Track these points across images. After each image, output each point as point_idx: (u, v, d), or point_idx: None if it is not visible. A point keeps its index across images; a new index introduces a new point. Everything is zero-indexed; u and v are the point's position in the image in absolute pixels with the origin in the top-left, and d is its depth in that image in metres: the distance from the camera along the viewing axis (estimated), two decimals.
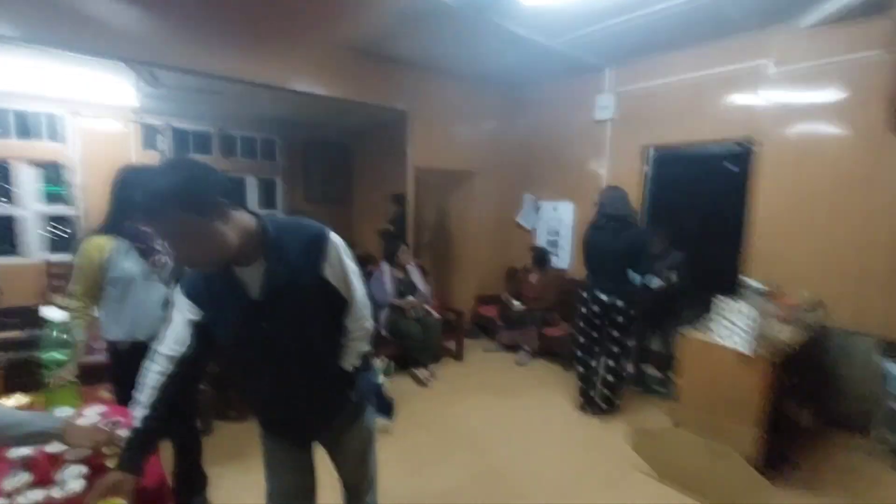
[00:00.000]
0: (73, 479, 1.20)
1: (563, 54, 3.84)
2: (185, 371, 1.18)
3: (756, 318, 2.33)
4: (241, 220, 1.09)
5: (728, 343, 2.41)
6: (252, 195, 6.58)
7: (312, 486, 1.44)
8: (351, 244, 1.33)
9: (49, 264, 5.14)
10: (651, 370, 3.70)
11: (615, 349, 3.07)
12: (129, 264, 1.78)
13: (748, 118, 3.43)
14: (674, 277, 3.34)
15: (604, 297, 3.03)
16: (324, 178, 6.95)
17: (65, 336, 1.70)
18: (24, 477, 1.20)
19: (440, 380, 3.81)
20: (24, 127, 4.97)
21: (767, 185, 3.38)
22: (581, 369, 3.24)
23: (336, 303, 1.24)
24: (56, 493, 1.16)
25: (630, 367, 3.75)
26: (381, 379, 2.99)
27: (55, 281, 5.02)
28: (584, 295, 3.15)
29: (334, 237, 1.21)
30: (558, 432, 3.06)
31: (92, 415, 1.48)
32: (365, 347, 1.35)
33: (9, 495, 1.14)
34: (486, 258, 5.18)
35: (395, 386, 3.47)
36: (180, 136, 5.81)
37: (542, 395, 3.61)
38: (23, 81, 4.27)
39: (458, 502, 2.31)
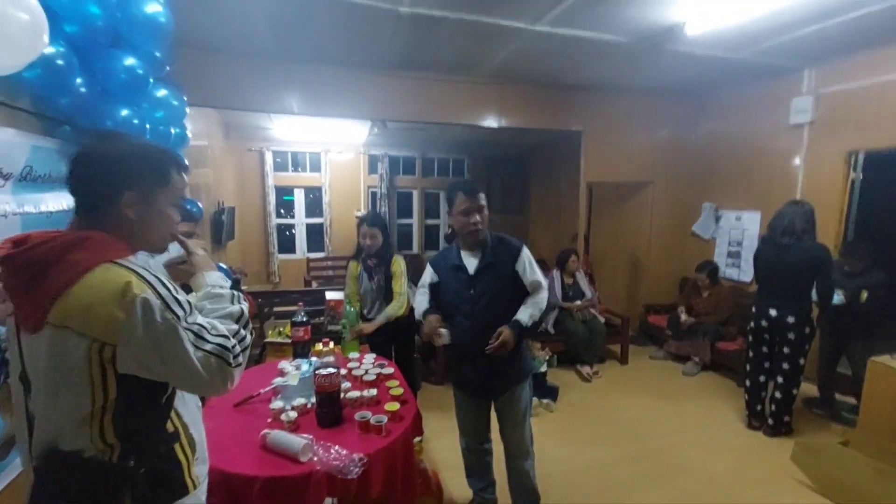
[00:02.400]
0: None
1: (751, 63, 3.76)
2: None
3: None
4: None
5: None
6: (443, 207, 7.83)
7: (487, 429, 2.23)
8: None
9: (308, 260, 7.15)
10: (841, 396, 3.37)
11: (786, 367, 2.99)
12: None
13: None
14: (864, 296, 3.03)
15: (773, 312, 2.99)
16: (503, 191, 7.78)
17: (355, 311, 2.78)
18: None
19: (603, 378, 4.16)
20: (297, 163, 7.06)
21: None
22: (749, 384, 3.23)
23: (520, 287, 1.99)
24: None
25: (816, 391, 3.50)
26: (544, 367, 3.55)
27: (312, 272, 7.01)
28: (754, 310, 3.14)
29: (526, 250, 2.02)
30: (716, 437, 3.16)
31: (368, 359, 2.43)
32: (536, 315, 1.96)
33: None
34: (657, 267, 5.23)
35: (559, 377, 3.99)
36: (393, 161, 7.34)
37: (706, 404, 3.66)
38: (297, 133, 6.16)
39: (604, 474, 2.71)
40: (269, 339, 3.35)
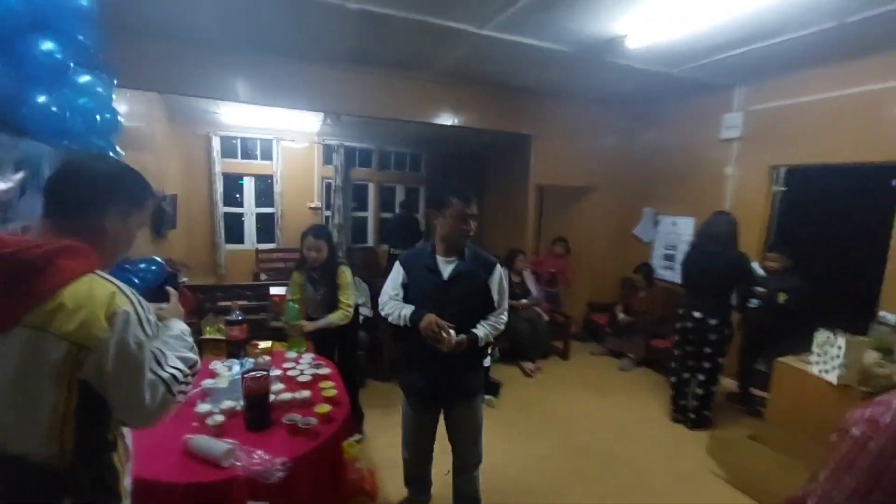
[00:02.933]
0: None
1: (686, 79, 3.98)
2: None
3: (847, 350, 2.38)
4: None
5: (815, 371, 2.49)
6: (399, 200, 7.81)
7: (431, 446, 2.21)
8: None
9: (258, 251, 6.95)
10: (757, 391, 3.68)
11: (707, 365, 3.24)
12: None
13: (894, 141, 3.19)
14: (781, 299, 3.31)
15: (698, 314, 3.22)
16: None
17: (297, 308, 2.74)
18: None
19: (545, 374, 4.33)
20: (247, 150, 6.82)
21: None
22: (674, 380, 3.48)
23: (487, 302, 1.99)
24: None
25: (736, 386, 3.80)
26: (487, 362, 3.65)
27: (261, 264, 6.81)
28: (681, 311, 3.37)
29: (500, 268, 2.03)
30: (644, 431, 3.38)
31: (306, 359, 2.41)
32: (492, 334, 1.97)
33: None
34: (601, 268, 5.47)
35: (503, 373, 4.11)
36: (349, 153, 7.22)
37: (637, 399, 3.90)
38: (247, 120, 5.95)
39: (541, 468, 2.85)
40: (206, 336, 3.24)
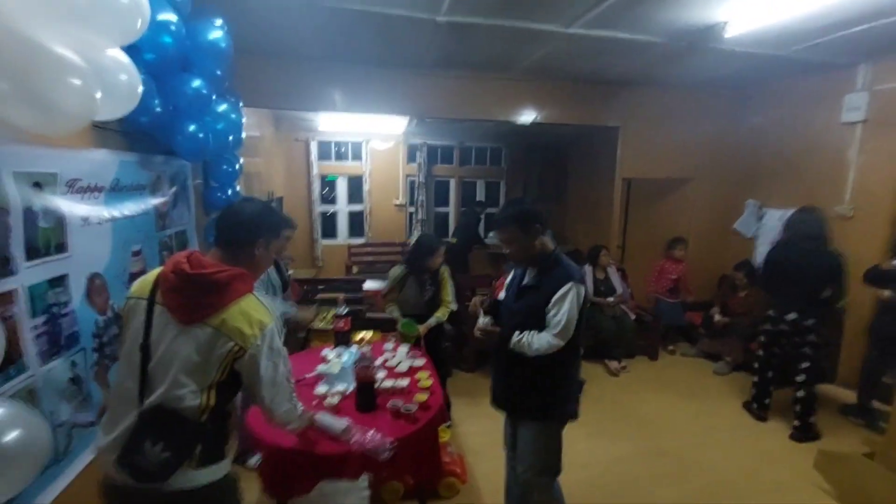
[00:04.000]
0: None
1: (798, 59, 3.62)
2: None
3: None
4: (544, 242, 1.87)
5: None
6: (480, 195, 7.94)
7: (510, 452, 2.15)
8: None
9: (350, 245, 7.49)
10: (879, 404, 3.31)
11: (805, 365, 3.10)
12: None
13: None
14: None
15: (793, 316, 3.10)
16: (541, 179, 7.78)
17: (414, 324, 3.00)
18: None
19: (630, 373, 4.24)
20: (340, 152, 7.35)
21: None
22: (758, 380, 3.40)
23: (544, 315, 1.81)
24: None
25: (855, 398, 3.46)
26: None
27: (353, 258, 7.35)
28: (771, 314, 3.23)
29: (571, 286, 1.77)
30: (735, 437, 3.22)
31: (402, 350, 2.65)
32: (525, 346, 1.81)
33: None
34: (696, 265, 5.16)
35: (586, 371, 4.06)
36: (432, 151, 7.49)
37: (730, 404, 3.69)
38: (340, 125, 6.42)
39: (623, 469, 2.84)
40: (316, 326, 3.67)
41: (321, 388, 2.08)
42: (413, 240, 4.36)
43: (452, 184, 7.88)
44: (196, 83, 2.18)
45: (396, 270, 3.12)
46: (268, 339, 1.27)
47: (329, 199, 7.47)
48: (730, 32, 2.96)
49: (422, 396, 2.02)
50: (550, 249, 1.90)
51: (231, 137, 2.71)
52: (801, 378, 3.15)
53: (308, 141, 6.92)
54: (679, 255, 4.81)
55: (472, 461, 2.81)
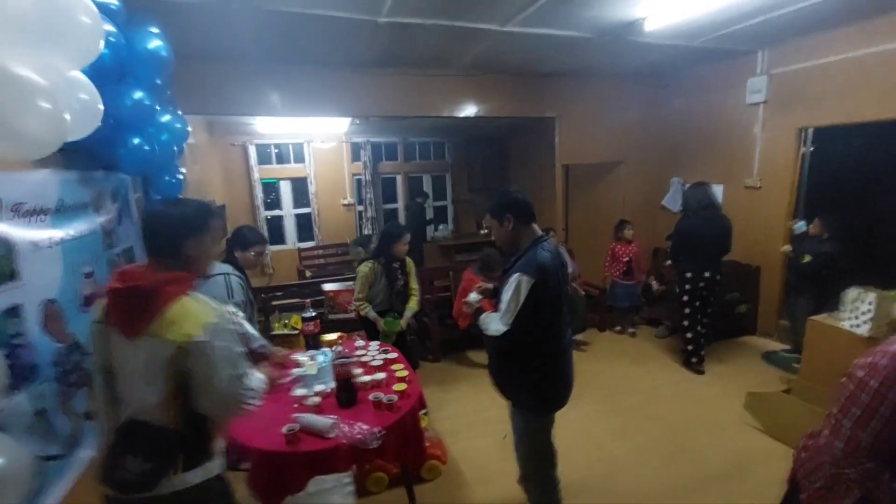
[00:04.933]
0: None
1: (708, 48, 4.02)
2: None
3: (877, 304, 2.52)
4: (520, 232, 1.90)
5: (846, 326, 2.64)
6: (427, 189, 8.04)
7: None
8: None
9: (300, 250, 7.34)
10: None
11: (709, 311, 3.85)
12: None
13: None
14: (806, 259, 3.58)
15: (708, 274, 3.73)
16: (483, 171, 8.00)
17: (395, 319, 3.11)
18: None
19: (581, 346, 4.55)
20: (281, 155, 7.16)
21: None
22: (690, 336, 3.91)
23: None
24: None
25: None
26: None
27: (304, 262, 7.21)
28: (689, 275, 3.80)
29: (519, 276, 1.77)
30: (681, 391, 3.62)
31: (374, 346, 2.72)
32: (482, 324, 1.93)
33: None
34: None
35: None
36: (376, 149, 7.48)
37: (672, 362, 4.13)
38: (280, 127, 6.26)
39: (584, 428, 3.09)
40: (275, 332, 3.62)
41: (299, 391, 2.12)
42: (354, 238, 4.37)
43: (399, 180, 7.92)
44: (137, 94, 2.11)
45: (364, 268, 3.13)
46: (210, 337, 1.22)
47: (274, 203, 7.26)
48: (648, 27, 3.26)
49: (401, 386, 2.11)
50: (527, 240, 1.89)
51: (175, 148, 2.63)
52: (702, 327, 3.87)
53: (246, 145, 6.69)
54: (628, 235, 4.80)
55: (450, 443, 2.95)
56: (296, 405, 2.03)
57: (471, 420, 3.26)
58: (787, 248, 3.98)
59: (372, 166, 7.37)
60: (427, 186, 8.06)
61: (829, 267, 3.47)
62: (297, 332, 3.23)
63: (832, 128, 3.89)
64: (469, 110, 4.68)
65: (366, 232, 7.38)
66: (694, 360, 3.90)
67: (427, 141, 7.93)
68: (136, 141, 2.20)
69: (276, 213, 7.27)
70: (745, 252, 4.44)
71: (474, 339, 4.17)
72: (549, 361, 1.94)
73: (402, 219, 7.95)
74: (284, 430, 1.76)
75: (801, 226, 3.85)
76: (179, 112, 2.81)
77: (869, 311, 2.56)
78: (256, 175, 6.81)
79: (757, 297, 4.53)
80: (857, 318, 2.64)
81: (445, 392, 3.70)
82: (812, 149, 4.10)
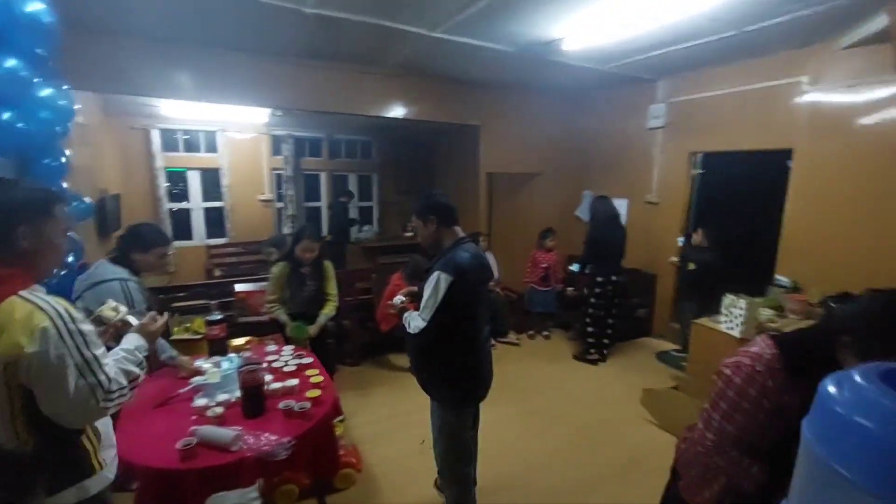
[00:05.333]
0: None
1: (617, 74, 4.38)
2: None
3: (747, 309, 2.90)
4: (442, 233, 1.98)
5: (723, 328, 3.01)
6: (353, 188, 7.86)
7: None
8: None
9: (209, 246, 6.81)
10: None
11: (614, 312, 4.31)
12: None
13: (786, 129, 3.75)
14: (689, 268, 4.06)
15: (616, 277, 4.20)
16: (411, 173, 8.00)
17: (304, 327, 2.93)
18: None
19: (499, 349, 4.72)
20: (190, 142, 6.60)
21: (799, 192, 3.72)
22: (594, 330, 4.34)
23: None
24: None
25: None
26: None
27: (214, 260, 6.70)
28: (600, 279, 4.19)
29: (438, 275, 1.84)
30: (590, 390, 3.88)
31: (287, 350, 2.59)
32: (414, 329, 1.92)
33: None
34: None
35: None
36: (299, 143, 7.15)
37: (582, 364, 4.41)
38: (188, 112, 5.76)
39: (500, 429, 3.18)
40: (175, 337, 3.30)
41: (200, 401, 1.95)
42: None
43: (323, 177, 7.66)
44: (10, 62, 1.83)
45: (276, 269, 3.00)
46: (43, 346, 1.05)
47: (180, 195, 6.66)
48: (566, 48, 3.47)
49: (314, 392, 2.03)
50: (448, 241, 1.97)
51: (58, 128, 2.31)
52: (611, 322, 4.32)
53: (148, 129, 6.07)
54: (550, 245, 4.96)
55: (367, 449, 2.89)
56: (195, 417, 1.87)
57: (389, 425, 3.22)
58: (674, 258, 4.57)
59: (294, 161, 7.00)
60: (353, 185, 7.88)
61: (710, 273, 3.92)
62: (200, 336, 2.97)
63: (718, 153, 4.42)
64: (397, 111, 4.65)
65: (286, 230, 7.04)
66: (592, 351, 4.35)
67: (354, 139, 7.76)
68: (8, 116, 1.90)
69: (182, 205, 6.67)
70: (644, 261, 4.89)
71: (396, 342, 4.15)
72: (465, 356, 2.02)
73: (325, 219, 7.69)
74: (179, 444, 1.61)
75: (681, 239, 4.46)
76: (66, 87, 2.48)
77: (741, 315, 2.94)
78: (160, 163, 6.21)
79: (654, 302, 5.01)
80: (731, 321, 3.02)
81: (364, 397, 3.63)
82: (701, 171, 4.63)
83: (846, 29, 3.20)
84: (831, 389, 0.66)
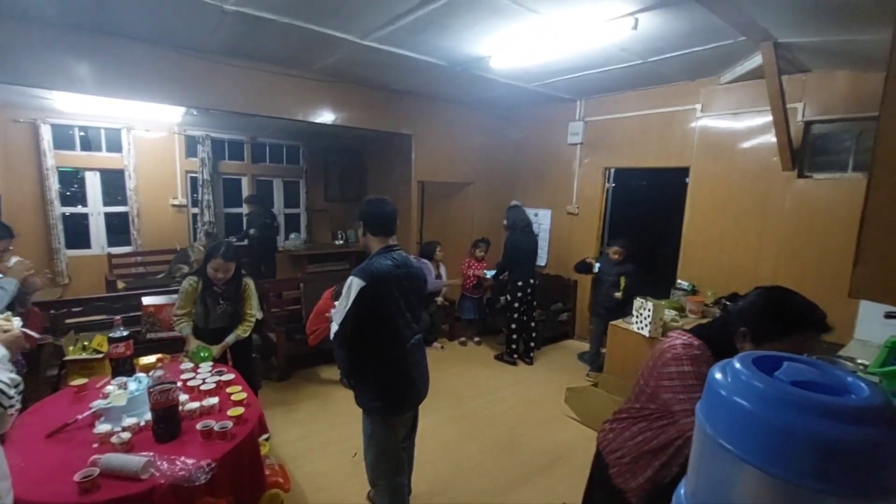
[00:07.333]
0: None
1: (540, 92, 4.65)
2: None
3: (654, 311, 3.20)
4: (368, 241, 2.04)
5: (635, 329, 3.29)
6: (278, 196, 7.53)
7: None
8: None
9: (111, 256, 6.14)
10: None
11: (535, 315, 4.64)
12: None
13: (683, 150, 4.22)
14: (623, 284, 4.15)
15: (533, 280, 4.51)
16: (341, 180, 7.83)
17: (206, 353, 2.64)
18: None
19: (432, 355, 4.74)
20: (88, 140, 5.94)
21: (695, 205, 4.20)
22: (521, 334, 4.60)
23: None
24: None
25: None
26: None
27: (117, 270, 6.05)
28: (520, 283, 4.45)
29: (350, 279, 1.90)
30: (516, 392, 4.04)
31: (205, 367, 2.41)
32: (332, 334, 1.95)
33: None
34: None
35: None
36: (217, 145, 6.73)
37: (510, 366, 4.59)
38: (87, 107, 5.16)
39: (435, 434, 3.21)
40: (70, 357, 2.96)
41: (102, 427, 1.75)
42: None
43: (245, 182, 7.25)
44: None
45: (185, 283, 2.79)
46: None
47: (76, 198, 5.96)
48: (493, 65, 3.63)
49: (237, 411, 1.91)
50: (375, 248, 2.02)
51: None
52: (533, 324, 4.60)
53: (37, 123, 5.37)
54: (479, 254, 5.11)
55: (296, 467, 2.76)
56: (96, 445, 1.68)
57: (318, 440, 3.11)
58: (610, 278, 4.33)
59: (211, 164, 6.60)
60: (279, 192, 7.55)
61: (636, 286, 4.21)
62: (100, 355, 2.68)
63: (627, 169, 4.85)
64: (325, 117, 4.55)
65: (201, 237, 6.56)
66: (514, 351, 4.59)
67: (279, 143, 7.43)
68: None
69: (78, 210, 5.96)
70: (566, 268, 5.19)
71: (325, 354, 4.02)
72: (389, 365, 2.02)
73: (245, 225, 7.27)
74: (78, 476, 1.44)
75: (597, 266, 4.35)
76: None
77: (648, 316, 3.23)
78: (51, 162, 5.50)
79: (575, 307, 5.33)
80: (641, 322, 3.30)
81: (291, 412, 3.47)
82: (613, 185, 5.04)
83: (730, 65, 3.68)
84: (717, 375, 0.77)
